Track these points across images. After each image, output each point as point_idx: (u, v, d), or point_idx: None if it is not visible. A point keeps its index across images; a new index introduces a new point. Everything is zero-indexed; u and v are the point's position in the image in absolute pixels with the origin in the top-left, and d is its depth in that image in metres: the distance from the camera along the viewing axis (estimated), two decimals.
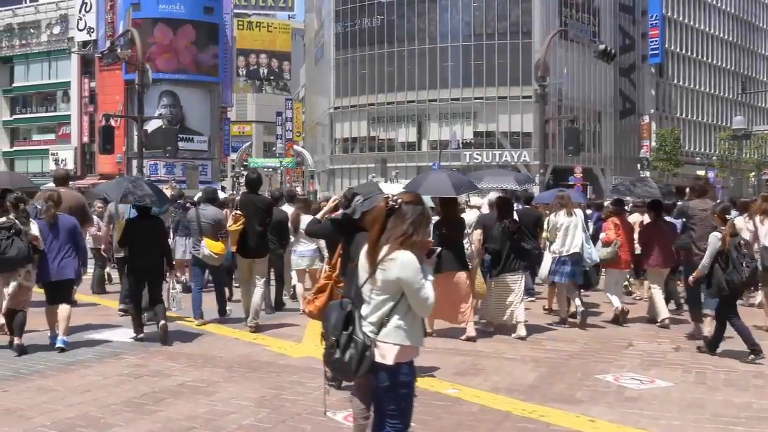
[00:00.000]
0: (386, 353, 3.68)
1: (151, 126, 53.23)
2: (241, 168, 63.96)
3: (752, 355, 7.68)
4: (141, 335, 8.63)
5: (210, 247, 9.39)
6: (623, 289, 11.35)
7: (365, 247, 3.87)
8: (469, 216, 10.19)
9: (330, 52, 69.59)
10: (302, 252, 10.74)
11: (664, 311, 9.84)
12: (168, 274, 8.95)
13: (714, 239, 7.76)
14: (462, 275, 8.52)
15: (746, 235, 8.68)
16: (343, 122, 68.07)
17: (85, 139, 59.84)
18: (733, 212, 9.30)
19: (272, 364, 7.48)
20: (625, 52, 69.25)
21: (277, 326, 9.69)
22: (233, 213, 9.34)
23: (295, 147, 70.31)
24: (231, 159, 67.34)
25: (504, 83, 60.58)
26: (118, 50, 20.88)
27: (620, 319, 9.99)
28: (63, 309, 8.07)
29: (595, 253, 9.78)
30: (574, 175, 54.30)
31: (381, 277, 3.70)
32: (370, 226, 4.16)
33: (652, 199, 10.22)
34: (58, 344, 7.94)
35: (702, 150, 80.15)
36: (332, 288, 5.10)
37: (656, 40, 70.66)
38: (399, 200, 3.78)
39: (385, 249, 3.72)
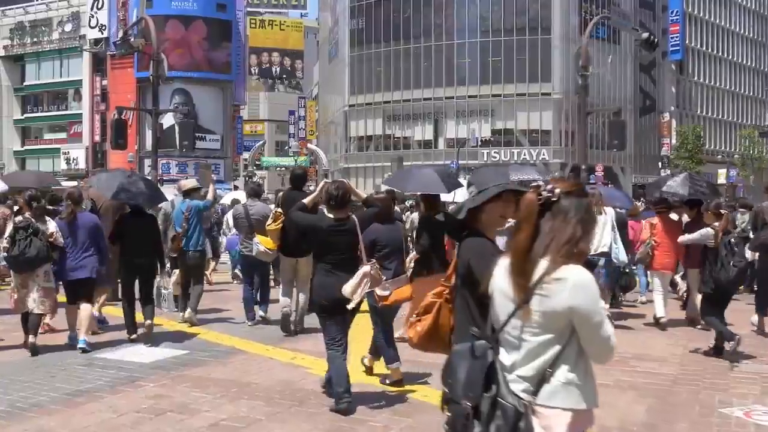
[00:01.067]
0: (553, 424, 2.48)
1: (164, 123, 53.13)
2: (254, 167, 63.37)
3: (719, 352, 7.67)
4: (134, 336, 8.45)
5: (264, 243, 9.14)
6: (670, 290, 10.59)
7: (506, 262, 2.63)
8: None
9: (345, 50, 68.27)
10: None
11: (661, 310, 9.51)
12: (160, 273, 8.98)
13: (708, 233, 7.68)
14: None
15: None
16: (358, 120, 66.73)
17: (97, 137, 59.11)
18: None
19: (320, 395, 6.22)
20: (648, 49, 67.72)
21: (313, 332, 8.36)
22: (274, 211, 8.90)
23: (309, 145, 69.49)
24: (243, 158, 66.54)
25: (522, 80, 59.14)
26: (131, 39, 19.65)
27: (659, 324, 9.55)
28: (84, 309, 7.97)
29: (623, 253, 9.43)
30: (595, 173, 52.89)
31: (541, 307, 2.51)
32: (489, 227, 3.23)
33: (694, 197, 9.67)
34: (80, 345, 7.83)
35: (723, 148, 78.59)
36: (442, 308, 3.59)
37: (677, 36, 69.18)
38: (556, 190, 2.58)
39: (544, 263, 2.51)
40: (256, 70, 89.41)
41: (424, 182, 8.13)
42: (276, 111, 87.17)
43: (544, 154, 58.54)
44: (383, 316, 6.55)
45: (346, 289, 5.59)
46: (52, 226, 7.79)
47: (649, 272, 10.07)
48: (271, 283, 11.10)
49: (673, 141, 67.73)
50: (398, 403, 6.01)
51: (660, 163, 65.36)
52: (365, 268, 5.69)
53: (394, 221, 7.08)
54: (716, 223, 7.71)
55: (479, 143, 51.51)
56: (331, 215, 5.87)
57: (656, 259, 9.86)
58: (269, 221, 8.79)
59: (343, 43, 68.96)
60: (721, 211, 7.86)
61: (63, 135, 63.66)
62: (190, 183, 10.39)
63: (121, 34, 22.29)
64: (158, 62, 17.80)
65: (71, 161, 58.77)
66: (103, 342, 8.45)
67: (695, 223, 9.43)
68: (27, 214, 7.74)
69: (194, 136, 22.50)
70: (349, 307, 5.65)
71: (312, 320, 7.69)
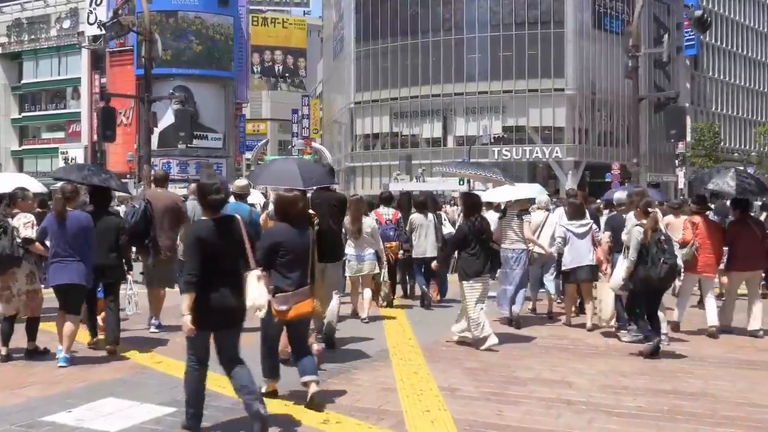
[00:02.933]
0: None
1: (164, 123, 52.72)
2: (257, 167, 61.78)
3: (642, 352, 7.71)
4: (95, 339, 7.98)
5: None
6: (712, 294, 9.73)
7: None
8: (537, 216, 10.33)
9: (350, 45, 66.84)
10: (362, 255, 9.84)
11: (713, 318, 9.01)
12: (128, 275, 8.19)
13: (637, 232, 7.71)
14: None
15: None
16: (364, 118, 65.21)
17: (96, 137, 57.64)
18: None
19: None
20: (660, 44, 65.94)
21: (344, 374, 6.83)
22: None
23: (314, 144, 68.14)
24: (246, 158, 65.28)
25: (534, 75, 57.48)
26: (122, 15, 17.81)
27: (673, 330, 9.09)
28: (69, 322, 7.18)
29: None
30: (612, 171, 51.19)
31: None
32: None
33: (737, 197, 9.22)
34: (60, 364, 7.08)
35: (739, 146, 76.83)
36: None
37: (692, 31, 67.18)
38: None
39: None
40: (259, 69, 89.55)
41: (276, 176, 7.77)
42: (279, 110, 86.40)
43: (557, 152, 56.86)
44: (295, 328, 5.92)
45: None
46: (22, 221, 7.34)
47: (683, 275, 9.10)
48: None
49: (689, 138, 66.06)
50: None
51: (676, 161, 63.62)
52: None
53: (306, 226, 6.27)
54: (644, 221, 7.73)
55: (492, 140, 49.89)
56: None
57: (698, 262, 9.16)
58: None
59: (348, 38, 67.60)
60: (649, 209, 7.78)
61: (61, 134, 62.97)
62: (242, 182, 9.27)
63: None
64: (151, 42, 16.03)
65: (70, 161, 57.43)
66: (58, 392, 6.25)
67: (740, 223, 9.30)
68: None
69: (192, 128, 20.67)
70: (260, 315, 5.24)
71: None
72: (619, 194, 10.02)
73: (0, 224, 7.21)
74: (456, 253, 8.64)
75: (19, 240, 7.22)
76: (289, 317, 5.68)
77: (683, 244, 8.98)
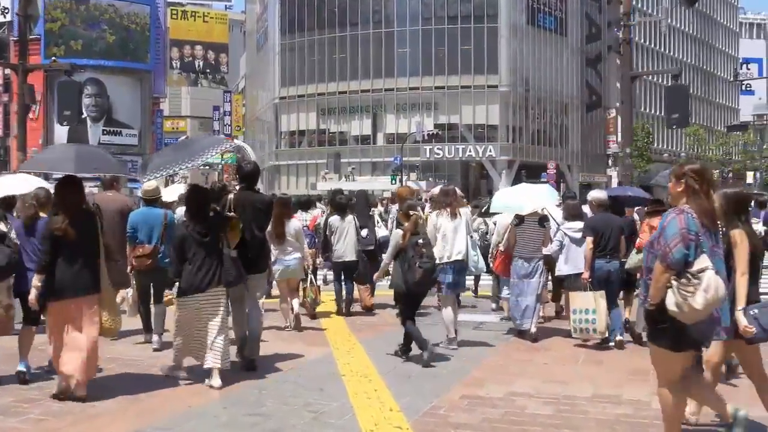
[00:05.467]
0: None
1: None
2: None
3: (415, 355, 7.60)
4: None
5: None
6: None
7: None
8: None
9: (275, 37, 64.24)
10: (286, 260, 9.38)
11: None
12: None
13: (395, 235, 7.82)
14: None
15: None
16: (290, 114, 62.67)
17: None
18: None
19: None
20: (592, 41, 65.54)
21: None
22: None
23: (236, 141, 65.42)
24: None
25: (467, 71, 55.76)
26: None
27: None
28: (25, 330, 6.78)
29: (482, 261, 8.89)
30: (548, 171, 49.87)
31: None
32: None
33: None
34: (20, 367, 6.56)
35: (668, 147, 77.12)
36: None
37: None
38: None
39: None
40: (178, 64, 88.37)
41: (47, 161, 7.70)
42: (199, 107, 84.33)
43: (490, 151, 55.34)
44: None
45: None
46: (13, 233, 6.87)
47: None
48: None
49: (619, 138, 65.60)
50: None
51: (610, 161, 62.96)
52: None
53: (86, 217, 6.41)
54: (406, 224, 7.78)
55: (426, 137, 48.00)
56: None
57: None
58: None
59: (272, 30, 65.09)
60: (411, 213, 7.79)
61: None
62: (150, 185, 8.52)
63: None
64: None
65: None
66: None
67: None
68: None
69: (79, 104, 17.35)
70: None
71: None
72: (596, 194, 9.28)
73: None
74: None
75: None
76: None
77: (640, 249, 7.93)
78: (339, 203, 10.75)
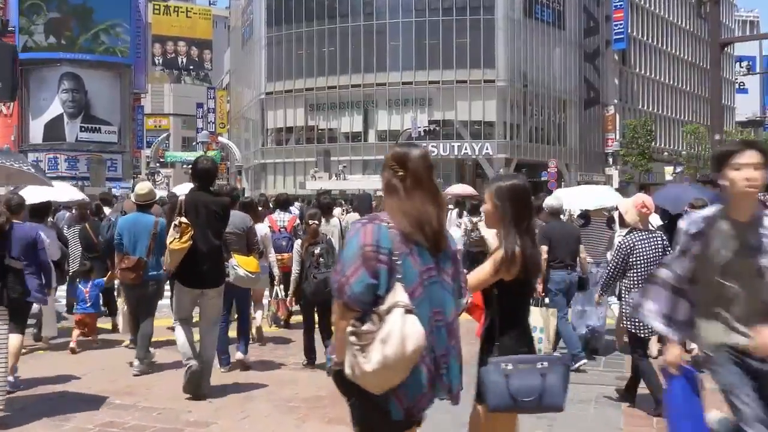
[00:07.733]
0: None
1: (51, 113, 51.12)
2: (157, 164, 58.42)
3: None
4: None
5: (244, 265, 7.49)
6: None
7: None
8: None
9: (260, 30, 62.09)
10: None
11: None
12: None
13: (296, 246, 7.91)
14: None
15: None
16: (277, 110, 60.57)
17: None
18: None
19: None
20: (590, 36, 63.74)
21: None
22: (177, 221, 6.58)
23: (220, 139, 63.64)
24: (146, 155, 62.25)
25: (463, 65, 53.78)
26: None
27: None
28: (13, 339, 6.51)
29: None
30: (548, 170, 47.69)
31: None
32: None
33: None
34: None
35: (666, 145, 75.62)
36: None
37: (621, 24, 65.10)
38: None
39: None
40: (160, 60, 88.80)
41: None
42: (182, 104, 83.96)
43: (487, 148, 53.35)
44: None
45: None
46: None
47: None
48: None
49: (617, 136, 63.94)
50: None
51: (610, 160, 61.19)
52: None
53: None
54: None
55: (421, 134, 45.93)
56: None
57: None
58: (170, 236, 6.58)
59: (258, 22, 62.82)
60: (311, 222, 7.66)
61: None
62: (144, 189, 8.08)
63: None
64: None
65: None
66: None
67: None
68: None
69: (16, 71, 14.90)
70: None
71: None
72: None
73: None
74: None
75: None
76: None
77: None
78: (326, 205, 10.41)
